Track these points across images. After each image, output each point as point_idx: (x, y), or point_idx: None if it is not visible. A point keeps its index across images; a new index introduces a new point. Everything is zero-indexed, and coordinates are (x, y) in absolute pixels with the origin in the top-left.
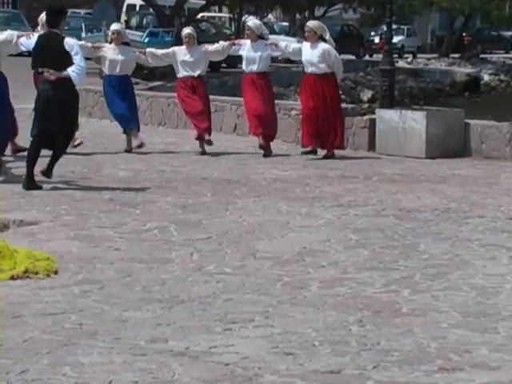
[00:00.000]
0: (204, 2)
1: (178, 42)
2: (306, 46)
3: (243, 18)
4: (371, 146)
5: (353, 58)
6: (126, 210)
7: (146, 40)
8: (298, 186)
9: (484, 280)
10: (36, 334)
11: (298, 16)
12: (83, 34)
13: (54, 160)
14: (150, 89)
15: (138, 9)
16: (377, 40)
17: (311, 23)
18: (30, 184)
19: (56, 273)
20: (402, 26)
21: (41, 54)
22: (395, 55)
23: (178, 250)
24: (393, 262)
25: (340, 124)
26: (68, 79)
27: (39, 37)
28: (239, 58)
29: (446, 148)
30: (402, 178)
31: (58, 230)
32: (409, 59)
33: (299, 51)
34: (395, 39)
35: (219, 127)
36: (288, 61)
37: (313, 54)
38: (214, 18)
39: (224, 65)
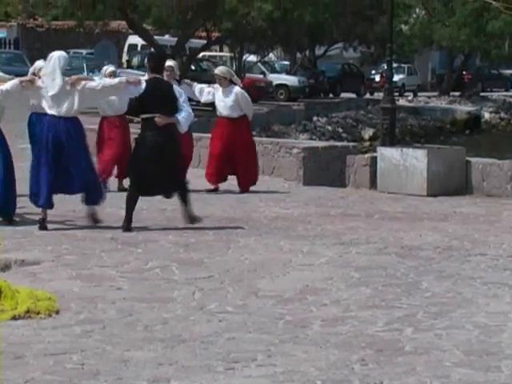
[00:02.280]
0: (205, 42)
1: (180, 80)
2: (219, 91)
3: (244, 57)
4: (372, 183)
5: (354, 96)
6: (127, 248)
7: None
8: (300, 224)
9: (487, 318)
10: (37, 374)
11: (298, 55)
12: (85, 74)
13: (186, 202)
14: None
15: (139, 48)
16: (377, 78)
17: (219, 70)
18: (128, 226)
19: (57, 312)
20: (403, 65)
21: (151, 99)
22: (396, 93)
23: (180, 288)
24: (395, 300)
25: (255, 161)
26: (174, 125)
27: (148, 82)
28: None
29: (448, 186)
30: (403, 215)
31: (60, 269)
32: (409, 97)
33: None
34: (396, 78)
35: None
36: (289, 99)
37: (226, 99)
38: (215, 57)
39: None
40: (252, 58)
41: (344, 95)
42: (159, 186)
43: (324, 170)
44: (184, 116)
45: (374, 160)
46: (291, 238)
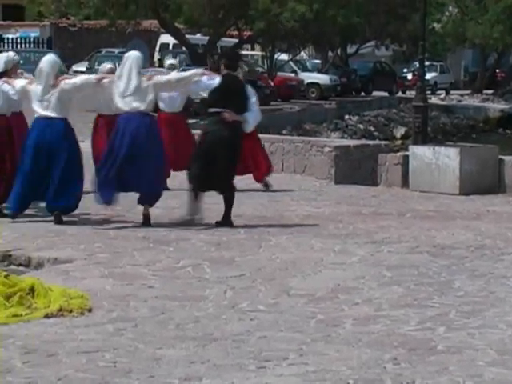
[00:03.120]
0: (237, 41)
1: None
2: None
3: (276, 56)
4: (404, 182)
5: (386, 94)
6: (159, 247)
7: None
8: (331, 222)
9: None
10: (70, 372)
11: (330, 53)
12: None
13: (229, 206)
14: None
15: (171, 47)
16: (409, 77)
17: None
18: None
19: (90, 311)
20: (435, 63)
21: (223, 95)
22: (428, 92)
23: (212, 287)
24: (427, 300)
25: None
26: (240, 123)
27: (223, 78)
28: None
29: (480, 184)
30: (435, 214)
31: (92, 267)
32: (442, 95)
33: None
34: (428, 76)
35: None
36: (321, 97)
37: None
38: (246, 55)
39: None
40: (283, 56)
41: (376, 93)
42: (212, 182)
43: (356, 169)
44: (253, 116)
45: (405, 158)
46: (323, 236)
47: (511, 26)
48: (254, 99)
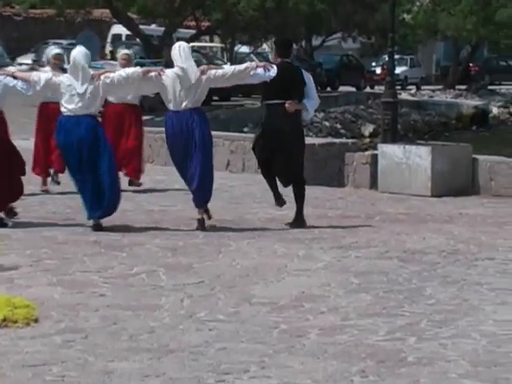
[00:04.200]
0: (194, 32)
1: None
2: None
3: (236, 48)
4: (373, 183)
5: (353, 89)
6: (111, 253)
7: None
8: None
9: (495, 327)
10: None
11: (294, 46)
12: (66, 66)
13: (300, 201)
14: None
15: (124, 39)
16: (378, 71)
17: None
18: (280, 200)
19: (36, 321)
20: (405, 56)
21: (281, 85)
22: (398, 87)
23: (168, 295)
24: (397, 308)
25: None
26: (299, 112)
27: (279, 67)
28: (233, 90)
29: (453, 185)
30: (406, 217)
31: (39, 275)
32: (412, 91)
33: None
34: (398, 70)
35: None
36: None
37: None
38: (205, 48)
39: (216, 98)
40: (244, 49)
41: (343, 89)
42: (279, 173)
43: (321, 169)
44: (312, 103)
45: (374, 158)
46: (286, 241)
47: (485, 18)
48: (311, 84)
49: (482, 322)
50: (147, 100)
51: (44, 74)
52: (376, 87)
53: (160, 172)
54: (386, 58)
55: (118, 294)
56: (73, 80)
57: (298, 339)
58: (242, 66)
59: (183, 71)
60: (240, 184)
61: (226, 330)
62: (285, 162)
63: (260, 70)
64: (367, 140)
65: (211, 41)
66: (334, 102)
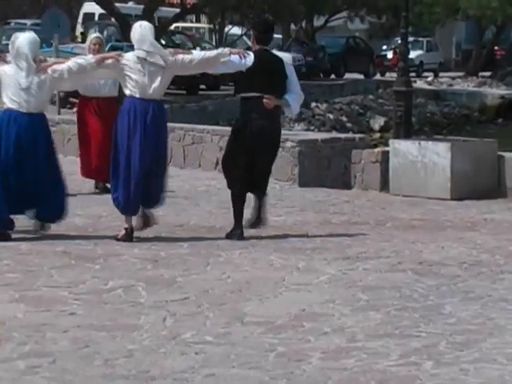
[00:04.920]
0: (178, 10)
1: None
2: None
3: (226, 30)
4: (384, 185)
5: (361, 77)
6: (83, 265)
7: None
8: (295, 234)
9: None
10: None
11: (293, 27)
12: None
13: (262, 205)
14: None
15: (96, 18)
16: (390, 55)
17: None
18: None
19: None
20: (421, 39)
21: (258, 75)
22: (412, 74)
23: (148, 314)
24: (412, 328)
25: None
26: (279, 108)
27: (256, 55)
28: (222, 79)
29: (476, 187)
30: (422, 223)
31: (0, 290)
32: (429, 79)
33: None
34: (412, 54)
35: (197, 163)
36: None
37: None
38: (190, 29)
39: (203, 86)
40: (236, 30)
41: (349, 76)
42: (255, 183)
43: (324, 168)
44: (295, 98)
45: (385, 156)
46: (284, 251)
47: None
48: (294, 77)
49: (509, 344)
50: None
51: None
52: (387, 74)
53: None
54: (399, 41)
55: (90, 312)
56: (17, 71)
57: (298, 364)
58: (214, 53)
59: (147, 54)
60: None
61: (215, 354)
62: (264, 168)
63: (234, 58)
64: (377, 135)
65: (198, 21)
66: (339, 92)
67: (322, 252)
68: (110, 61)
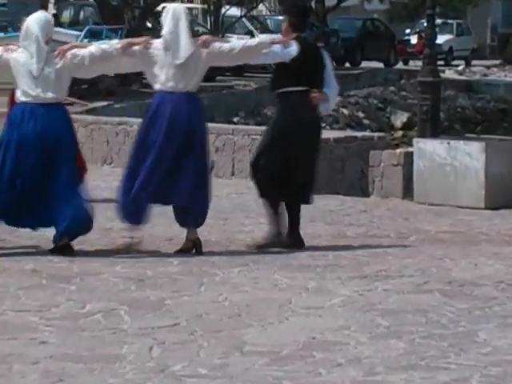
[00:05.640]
0: None
1: None
2: None
3: (223, 10)
4: (407, 191)
5: (380, 65)
6: (56, 285)
7: (85, 42)
8: (303, 248)
9: None
10: None
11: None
12: None
13: (296, 216)
14: (90, 111)
15: None
16: (414, 40)
17: None
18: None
19: None
20: (450, 21)
21: (304, 67)
22: (440, 62)
23: (132, 342)
24: (440, 359)
25: None
26: (317, 105)
27: (297, 44)
28: (217, 68)
29: None
30: (451, 237)
31: None
32: (460, 67)
33: None
34: (440, 39)
35: None
36: None
37: None
38: None
39: None
40: (234, 11)
41: (366, 64)
42: (293, 190)
43: (337, 172)
44: (333, 92)
45: (408, 158)
46: (291, 268)
47: None
48: (330, 67)
49: None
50: (103, 81)
51: None
52: (411, 63)
53: (121, 176)
54: (425, 24)
55: (64, 340)
56: (28, 57)
57: None
58: (255, 41)
59: (175, 42)
60: (229, 193)
61: None
62: (308, 170)
63: (277, 48)
64: (399, 133)
65: (190, 1)
66: (355, 83)
67: (335, 270)
68: (137, 47)
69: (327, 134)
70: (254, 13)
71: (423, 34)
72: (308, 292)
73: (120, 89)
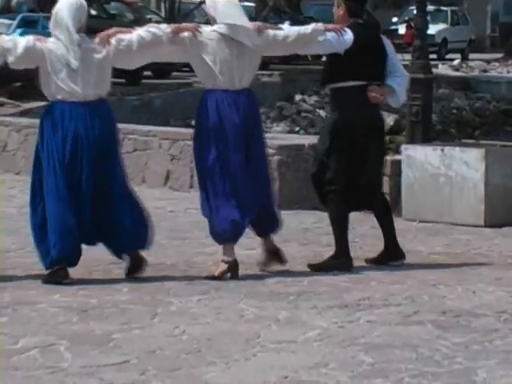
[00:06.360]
0: None
1: None
2: None
3: None
4: (394, 205)
5: None
6: None
7: (18, 32)
8: (273, 273)
9: None
10: None
11: None
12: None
13: (391, 228)
14: (24, 113)
15: None
16: (402, 30)
17: None
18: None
19: None
20: (444, 8)
21: (362, 58)
22: (433, 55)
23: (74, 383)
24: None
25: None
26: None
27: (353, 32)
28: (172, 64)
29: None
30: (446, 259)
31: None
32: (455, 62)
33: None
34: (432, 29)
35: (140, 177)
36: None
37: None
38: None
39: (148, 73)
40: None
41: None
42: (364, 197)
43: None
44: (400, 83)
45: (396, 167)
46: (259, 296)
47: None
48: (393, 54)
49: None
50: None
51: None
52: (399, 56)
53: None
54: (414, 11)
55: None
56: (62, 48)
57: None
58: (309, 28)
59: (235, 31)
60: (187, 208)
61: None
62: (376, 173)
63: (332, 36)
64: (385, 138)
65: None
66: None
67: (311, 298)
68: (186, 34)
69: (301, 139)
70: None
71: (412, 23)
72: (279, 324)
73: (23, 92)
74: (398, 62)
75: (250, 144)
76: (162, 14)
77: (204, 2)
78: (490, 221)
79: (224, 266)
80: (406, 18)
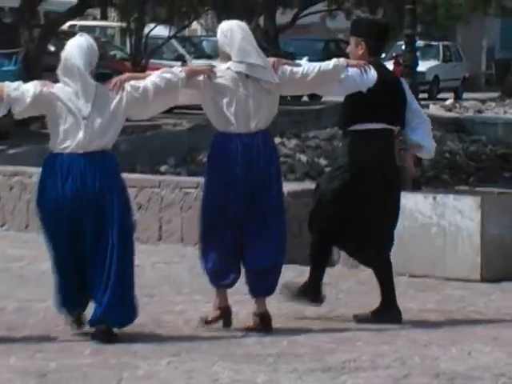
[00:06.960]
0: (75, 1)
1: (29, 72)
2: None
3: (146, 30)
4: None
5: None
6: None
7: None
8: (250, 333)
9: None
10: None
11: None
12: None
13: (389, 284)
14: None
15: None
16: (389, 67)
17: None
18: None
19: None
20: (435, 43)
21: (383, 99)
22: (423, 95)
23: None
24: None
25: None
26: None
27: (377, 71)
28: None
29: None
30: (438, 316)
31: None
32: (448, 102)
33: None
34: (423, 66)
35: None
36: None
37: None
38: (93, 28)
39: None
40: (161, 30)
41: (329, 98)
42: (354, 241)
43: (293, 236)
44: (424, 132)
45: None
46: (235, 359)
47: None
48: (413, 99)
49: None
50: None
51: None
52: None
53: (17, 242)
54: (403, 46)
55: None
56: (71, 93)
57: None
58: (330, 64)
59: (251, 68)
60: (155, 262)
61: None
62: (382, 222)
63: (354, 72)
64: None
65: (104, 17)
66: (315, 122)
67: (291, 360)
68: (201, 77)
69: None
70: (186, 33)
71: (401, 60)
72: None
73: (15, 130)
74: (417, 104)
75: (260, 194)
76: (128, 49)
77: (174, 37)
78: (486, 275)
79: (217, 312)
80: (394, 54)
